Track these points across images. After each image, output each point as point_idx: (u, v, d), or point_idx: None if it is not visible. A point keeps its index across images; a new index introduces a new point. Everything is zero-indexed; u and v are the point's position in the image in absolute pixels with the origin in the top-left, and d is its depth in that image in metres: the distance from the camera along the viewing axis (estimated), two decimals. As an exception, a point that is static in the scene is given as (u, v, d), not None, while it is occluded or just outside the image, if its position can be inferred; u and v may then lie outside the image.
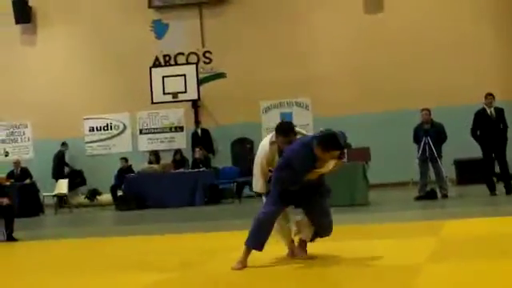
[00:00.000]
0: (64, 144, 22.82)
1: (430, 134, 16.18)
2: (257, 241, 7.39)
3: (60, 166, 22.69)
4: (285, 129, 7.71)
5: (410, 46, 21.24)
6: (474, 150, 19.18)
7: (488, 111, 15.83)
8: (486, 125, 15.77)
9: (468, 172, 19.86)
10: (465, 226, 10.47)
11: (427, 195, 16.06)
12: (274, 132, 7.75)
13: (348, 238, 8.96)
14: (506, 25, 20.83)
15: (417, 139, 16.43)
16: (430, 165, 16.27)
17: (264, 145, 7.83)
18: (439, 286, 6.16)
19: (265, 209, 7.46)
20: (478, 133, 15.86)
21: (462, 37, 20.99)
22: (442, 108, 18.56)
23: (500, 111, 15.95)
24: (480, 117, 15.88)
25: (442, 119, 16.69)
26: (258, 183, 7.86)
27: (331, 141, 7.08)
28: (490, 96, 15.97)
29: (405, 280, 6.42)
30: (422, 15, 21.42)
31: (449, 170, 18.06)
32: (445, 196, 16.11)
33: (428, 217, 12.58)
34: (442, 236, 9.26)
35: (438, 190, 16.23)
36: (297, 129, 7.83)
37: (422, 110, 16.60)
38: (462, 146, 19.01)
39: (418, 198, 16.01)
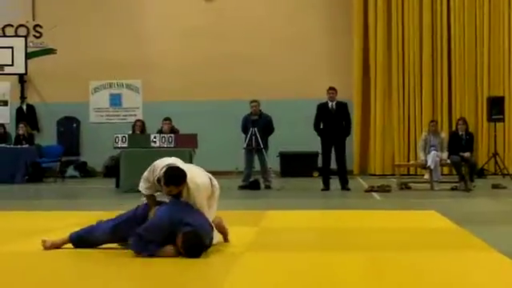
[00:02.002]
0: None
1: (258, 125, 16.33)
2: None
3: None
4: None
5: (244, 38, 21.41)
6: (299, 144, 19.72)
7: (329, 105, 15.67)
8: (327, 118, 15.64)
9: (292, 165, 20.30)
10: (285, 217, 10.64)
11: (251, 185, 16.24)
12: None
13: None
14: (336, 24, 21.37)
15: (245, 129, 16.56)
16: (255, 155, 16.45)
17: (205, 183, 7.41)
18: (254, 274, 6.21)
19: None
20: (322, 126, 15.69)
21: (295, 33, 21.37)
22: (271, 101, 18.81)
23: (342, 106, 15.80)
24: (321, 110, 15.74)
25: (270, 112, 16.89)
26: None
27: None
28: (331, 90, 15.75)
29: (222, 267, 6.43)
30: (262, 8, 21.63)
31: (273, 162, 18.37)
32: (268, 187, 16.34)
33: (250, 207, 12.71)
34: (262, 226, 9.35)
35: (261, 181, 16.45)
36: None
37: (252, 101, 16.73)
38: (287, 139, 19.45)
39: (242, 188, 16.16)
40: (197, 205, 7.12)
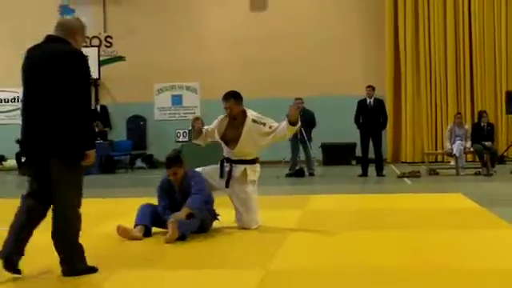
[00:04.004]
0: None
1: (302, 119, 16.24)
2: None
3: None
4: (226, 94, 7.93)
5: (288, 43, 21.35)
6: (338, 136, 19.68)
7: (367, 101, 15.70)
8: (365, 113, 15.64)
9: (332, 154, 20.26)
10: (327, 200, 10.69)
11: (296, 173, 16.27)
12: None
13: (227, 207, 8.86)
14: (370, 27, 21.27)
15: (290, 124, 16.52)
16: (300, 146, 16.46)
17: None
18: (302, 249, 6.29)
19: None
20: (361, 120, 15.70)
21: (334, 39, 21.24)
22: (313, 98, 18.75)
23: (379, 102, 15.88)
24: (361, 106, 15.76)
25: (313, 108, 16.89)
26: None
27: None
28: (368, 88, 15.80)
29: (273, 243, 6.51)
30: (302, 15, 21.59)
31: (316, 152, 18.36)
32: (311, 174, 16.37)
33: (296, 192, 12.77)
34: (308, 209, 9.42)
35: (305, 169, 16.47)
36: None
37: (296, 98, 16.73)
38: (328, 131, 19.39)
39: (289, 175, 16.20)
40: (267, 125, 7.95)
